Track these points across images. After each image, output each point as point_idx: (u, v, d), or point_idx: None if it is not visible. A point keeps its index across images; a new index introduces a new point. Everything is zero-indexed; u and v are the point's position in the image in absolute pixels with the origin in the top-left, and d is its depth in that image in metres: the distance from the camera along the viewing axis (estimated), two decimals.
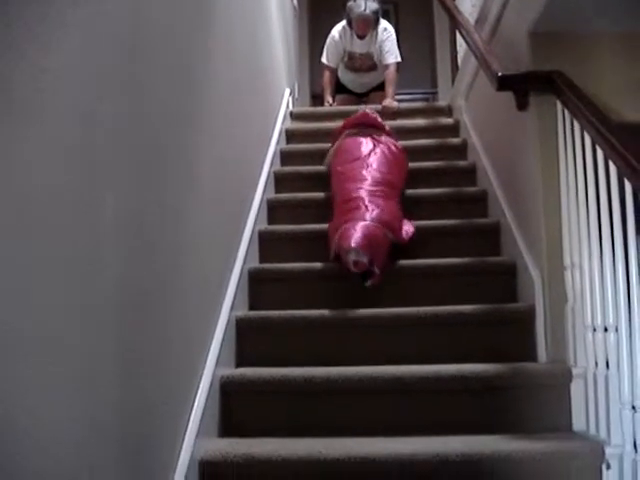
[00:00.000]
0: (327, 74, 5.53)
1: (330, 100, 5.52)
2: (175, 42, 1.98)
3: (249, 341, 2.77)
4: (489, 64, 3.08)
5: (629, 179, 2.08)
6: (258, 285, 3.11)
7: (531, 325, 2.70)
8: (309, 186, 3.96)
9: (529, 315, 2.71)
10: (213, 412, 2.30)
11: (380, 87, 5.44)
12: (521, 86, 2.79)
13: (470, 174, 4.04)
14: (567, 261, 2.52)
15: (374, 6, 5.14)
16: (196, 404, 2.09)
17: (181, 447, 1.93)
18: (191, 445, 1.97)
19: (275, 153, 4.22)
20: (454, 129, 4.73)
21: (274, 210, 3.78)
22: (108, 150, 1.44)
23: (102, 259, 1.39)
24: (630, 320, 2.09)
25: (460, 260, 3.14)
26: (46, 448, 1.14)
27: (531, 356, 2.67)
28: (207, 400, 2.18)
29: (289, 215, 3.74)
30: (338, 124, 4.73)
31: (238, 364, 2.71)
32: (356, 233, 2.93)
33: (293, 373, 2.48)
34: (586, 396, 2.31)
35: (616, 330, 2.17)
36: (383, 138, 3.81)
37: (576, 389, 2.36)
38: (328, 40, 5.44)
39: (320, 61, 5.59)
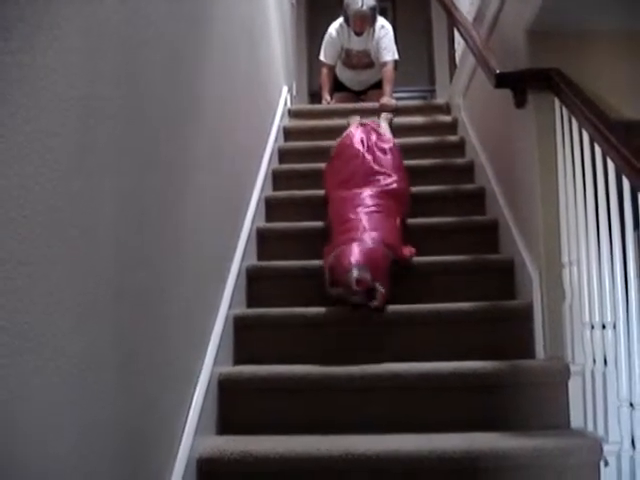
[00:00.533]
0: (325, 72, 5.52)
1: (328, 98, 5.52)
2: (172, 40, 1.98)
3: (247, 339, 2.77)
4: (487, 62, 3.08)
5: (627, 177, 2.08)
6: (256, 283, 3.10)
7: (529, 322, 2.70)
8: (307, 184, 3.96)
9: (527, 312, 2.71)
10: (211, 410, 2.31)
11: (378, 85, 5.43)
12: (519, 84, 2.79)
13: (468, 172, 4.05)
14: (565, 258, 2.52)
15: (371, 2, 5.14)
16: (194, 402, 2.09)
17: (179, 444, 1.93)
18: (189, 442, 1.98)
19: (273, 151, 4.22)
20: (452, 127, 4.73)
21: (272, 208, 3.78)
22: (106, 148, 1.43)
23: (100, 257, 1.39)
24: (628, 317, 2.09)
25: (458, 257, 3.14)
26: (45, 445, 1.14)
27: (529, 353, 2.68)
28: (205, 398, 2.18)
29: (287, 213, 3.74)
30: (336, 122, 4.75)
31: (236, 362, 2.71)
32: (354, 251, 2.77)
33: (291, 370, 2.48)
34: (584, 393, 2.31)
35: (614, 327, 2.17)
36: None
37: (574, 386, 2.36)
38: (326, 37, 5.44)
39: (318, 59, 5.59)
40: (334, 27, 5.38)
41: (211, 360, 2.29)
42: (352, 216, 3.12)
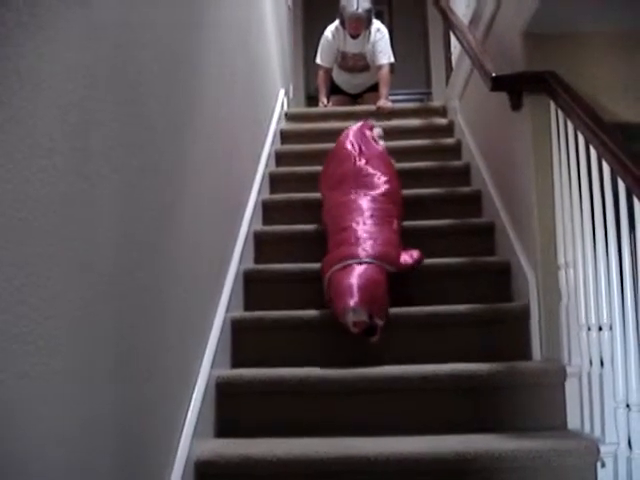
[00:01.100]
0: (322, 75, 5.54)
1: (325, 101, 5.53)
2: (169, 43, 1.98)
3: (245, 342, 2.77)
4: (483, 64, 3.09)
5: (622, 179, 2.09)
6: (253, 286, 3.11)
7: (525, 324, 2.71)
8: (304, 187, 3.96)
9: (523, 314, 2.72)
10: (209, 412, 2.31)
11: (374, 88, 5.45)
12: (515, 86, 2.81)
13: (464, 174, 4.06)
14: (561, 260, 2.53)
15: (367, 5, 5.16)
16: (192, 405, 2.10)
17: (177, 447, 1.94)
18: (187, 445, 1.98)
19: (270, 154, 4.23)
20: (448, 129, 4.74)
21: (269, 211, 3.79)
22: (103, 152, 1.44)
23: (98, 259, 1.39)
24: (624, 318, 2.10)
25: (455, 260, 3.15)
26: (42, 449, 1.14)
27: (526, 355, 2.69)
28: (203, 401, 2.18)
29: (284, 216, 3.74)
30: (332, 124, 4.76)
31: (234, 365, 2.72)
32: (351, 288, 2.64)
33: (289, 373, 2.48)
34: (580, 394, 2.32)
35: (610, 329, 2.18)
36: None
37: (570, 388, 2.37)
38: (322, 40, 5.46)
39: (315, 62, 5.60)
40: (330, 30, 5.39)
41: (209, 363, 2.29)
42: (347, 224, 3.05)
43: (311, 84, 7.40)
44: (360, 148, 3.51)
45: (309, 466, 2.10)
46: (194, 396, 2.13)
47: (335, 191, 3.34)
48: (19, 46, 1.07)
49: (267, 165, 4.04)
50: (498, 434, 2.28)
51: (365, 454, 2.10)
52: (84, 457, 1.31)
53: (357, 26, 5.23)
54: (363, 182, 3.30)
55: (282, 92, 5.35)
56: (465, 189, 3.90)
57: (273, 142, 4.42)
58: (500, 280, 3.06)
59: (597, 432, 2.19)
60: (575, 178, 2.44)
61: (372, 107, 5.20)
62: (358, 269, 2.74)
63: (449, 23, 4.22)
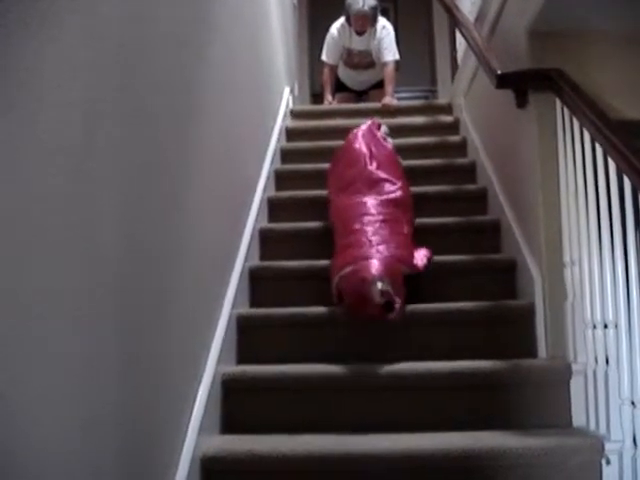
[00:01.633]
0: (327, 72, 5.55)
1: (330, 98, 5.54)
2: (174, 41, 1.99)
3: (250, 338, 2.77)
4: (488, 62, 3.09)
5: (628, 176, 2.09)
6: (259, 283, 3.11)
7: (531, 322, 2.71)
8: (310, 184, 3.96)
9: (529, 312, 2.71)
10: (214, 409, 2.32)
11: (379, 85, 5.46)
12: (520, 84, 2.81)
13: (470, 172, 4.06)
14: (567, 258, 2.53)
15: (372, 2, 5.17)
16: (197, 401, 2.10)
17: (183, 444, 1.94)
18: (193, 442, 1.98)
19: (275, 151, 4.23)
20: (454, 127, 4.74)
21: (275, 208, 3.79)
22: (108, 148, 1.44)
23: (102, 256, 1.40)
24: (629, 316, 2.10)
25: (460, 257, 3.15)
26: (46, 444, 1.14)
27: (531, 353, 2.68)
28: (208, 397, 2.18)
29: (290, 213, 3.74)
30: (338, 122, 4.77)
31: (239, 361, 2.72)
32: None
33: (294, 370, 2.49)
34: (586, 392, 2.32)
35: (615, 326, 2.18)
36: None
37: (576, 385, 2.37)
38: (327, 37, 5.46)
39: (320, 59, 5.61)
40: (335, 27, 5.40)
41: (214, 359, 2.30)
42: (357, 227, 3.01)
43: (316, 82, 7.40)
44: (370, 150, 3.45)
45: (314, 463, 2.11)
46: (199, 392, 2.13)
47: (344, 193, 3.29)
48: (21, 45, 1.07)
49: (273, 162, 4.04)
50: (503, 431, 2.28)
51: (371, 451, 2.10)
52: (89, 454, 1.32)
53: (363, 23, 5.24)
54: (374, 186, 3.24)
55: (287, 90, 5.35)
56: (471, 187, 3.90)
57: (278, 139, 4.42)
58: (505, 278, 3.06)
59: (602, 429, 2.19)
60: (581, 175, 2.44)
61: (377, 104, 5.21)
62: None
63: (454, 20, 4.22)
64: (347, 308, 2.74)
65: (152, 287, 1.71)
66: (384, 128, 3.72)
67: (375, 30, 5.30)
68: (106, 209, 1.42)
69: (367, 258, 2.76)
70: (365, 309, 2.64)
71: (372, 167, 3.33)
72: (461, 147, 4.41)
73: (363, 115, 5.07)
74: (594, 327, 2.29)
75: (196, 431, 2.02)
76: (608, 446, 2.10)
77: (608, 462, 2.10)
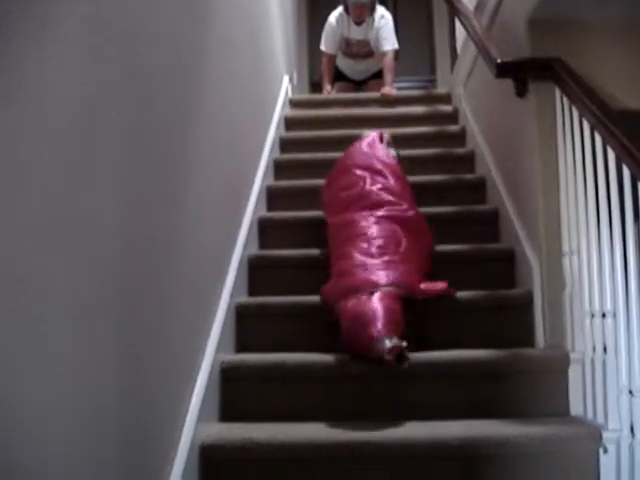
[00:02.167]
0: (325, 61, 5.54)
1: (329, 88, 5.53)
2: (173, 30, 1.98)
3: (249, 327, 2.78)
4: (488, 51, 3.08)
5: (627, 165, 2.09)
6: (258, 271, 3.12)
7: (529, 311, 2.71)
8: (309, 173, 3.96)
9: (527, 301, 2.72)
10: (213, 397, 2.32)
11: (378, 75, 5.45)
12: (520, 73, 2.80)
13: (469, 161, 4.06)
14: (565, 247, 2.53)
15: None
16: (196, 389, 2.11)
17: (181, 431, 1.95)
18: (192, 429, 1.99)
19: (274, 140, 4.23)
20: (453, 116, 4.73)
21: (274, 197, 3.79)
22: (108, 139, 1.44)
23: (101, 244, 1.40)
24: (628, 305, 2.10)
25: (459, 247, 3.16)
26: (46, 435, 1.14)
27: (529, 342, 2.69)
28: (207, 385, 2.19)
29: (289, 202, 3.74)
30: (336, 111, 4.76)
31: (238, 350, 2.73)
32: (375, 313, 2.39)
33: (292, 358, 2.49)
34: (584, 381, 2.32)
35: (614, 315, 2.18)
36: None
37: (574, 374, 2.37)
38: (326, 27, 5.45)
39: (319, 48, 5.59)
40: (334, 16, 5.38)
41: (213, 348, 2.30)
42: (355, 250, 2.79)
43: (315, 71, 7.38)
44: (374, 169, 3.18)
45: (312, 450, 2.11)
46: (198, 380, 2.14)
47: (340, 215, 3.06)
48: (24, 37, 1.07)
49: (271, 151, 4.04)
50: (501, 420, 2.28)
51: (368, 439, 2.11)
52: (88, 442, 1.32)
53: (361, 12, 5.23)
54: (374, 207, 3.00)
55: (286, 79, 5.34)
56: (469, 176, 3.90)
57: (277, 128, 4.41)
58: (504, 267, 3.06)
59: (600, 418, 2.19)
60: (580, 165, 2.43)
61: (376, 94, 5.20)
62: (378, 296, 2.48)
63: (454, 9, 4.21)
64: (346, 343, 2.49)
65: (151, 273, 1.71)
66: (386, 136, 3.52)
67: (373, 19, 5.29)
68: (106, 196, 1.41)
69: (364, 288, 2.53)
70: (369, 356, 2.36)
71: (373, 189, 3.08)
72: (460, 137, 4.40)
73: (362, 105, 5.09)
74: (592, 316, 2.30)
75: (195, 419, 2.03)
76: (605, 435, 2.10)
77: (605, 451, 2.10)
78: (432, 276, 2.89)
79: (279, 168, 4.14)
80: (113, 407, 1.45)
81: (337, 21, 5.36)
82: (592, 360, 2.27)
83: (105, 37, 1.43)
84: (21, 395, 1.05)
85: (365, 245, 2.80)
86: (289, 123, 4.86)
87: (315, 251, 3.14)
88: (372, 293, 2.51)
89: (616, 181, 2.19)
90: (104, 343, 1.40)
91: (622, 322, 2.12)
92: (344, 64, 5.61)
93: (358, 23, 5.30)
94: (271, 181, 3.96)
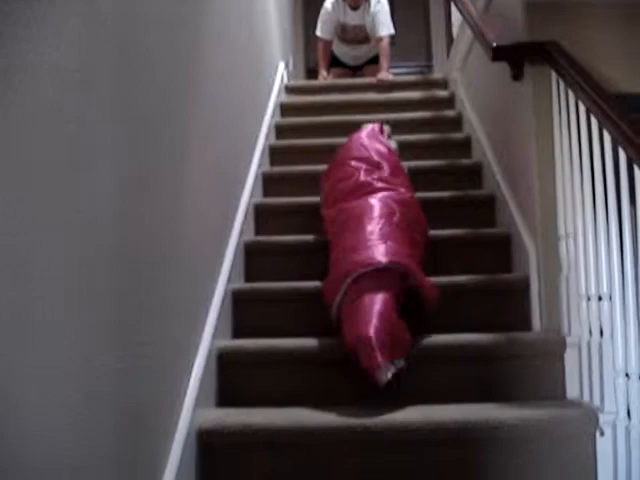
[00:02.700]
0: (321, 47, 5.52)
1: (325, 73, 5.52)
2: (169, 13, 1.97)
3: (245, 313, 2.78)
4: (484, 35, 3.08)
5: (623, 148, 2.09)
6: (254, 257, 3.12)
7: (525, 295, 2.72)
8: (305, 159, 3.96)
9: (523, 285, 2.72)
10: (210, 382, 2.32)
11: (374, 60, 5.44)
12: (516, 56, 2.79)
13: (465, 146, 4.06)
14: (561, 231, 2.53)
15: None
16: (193, 375, 2.10)
17: (179, 417, 1.95)
18: (189, 415, 1.99)
19: (270, 126, 4.22)
20: (449, 102, 4.72)
21: (269, 183, 3.79)
22: (104, 122, 1.43)
23: (96, 225, 1.39)
24: (624, 288, 2.10)
25: (454, 232, 3.16)
26: (41, 417, 1.14)
27: (525, 326, 2.69)
28: (204, 371, 2.19)
29: (284, 188, 3.74)
30: (333, 97, 4.74)
31: (235, 335, 2.73)
32: (372, 340, 2.22)
33: (289, 344, 2.49)
34: (580, 365, 2.33)
35: (610, 299, 2.19)
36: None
37: (570, 358, 2.38)
38: (321, 12, 5.43)
39: (315, 34, 5.57)
40: (330, 1, 5.37)
41: (210, 333, 2.30)
42: (344, 234, 2.71)
43: (311, 57, 7.36)
44: (368, 166, 3.07)
45: (310, 435, 2.12)
46: (195, 366, 2.13)
47: (336, 206, 2.98)
48: (20, 11, 1.06)
49: (267, 137, 4.03)
50: (497, 404, 2.29)
51: (364, 423, 2.11)
52: (84, 428, 1.31)
53: None
54: (370, 194, 2.90)
55: (282, 65, 5.32)
56: (466, 161, 3.90)
57: (273, 115, 4.40)
58: (500, 252, 3.07)
59: (596, 401, 2.19)
60: (576, 149, 2.43)
61: (372, 79, 5.19)
62: (372, 308, 2.32)
63: None
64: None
65: (147, 258, 1.70)
66: (387, 129, 3.45)
67: (369, 4, 5.26)
68: (102, 179, 1.41)
69: (363, 266, 2.44)
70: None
71: (368, 178, 3.00)
72: (456, 122, 4.40)
73: (358, 90, 5.07)
74: (588, 299, 2.30)
75: (192, 405, 2.03)
76: (602, 418, 2.11)
77: (602, 434, 2.11)
78: (427, 262, 2.83)
79: (275, 154, 4.13)
80: (109, 393, 1.44)
81: (333, 6, 5.33)
82: (588, 343, 2.27)
83: (100, 13, 1.42)
84: (13, 379, 1.05)
85: (360, 225, 2.70)
86: (285, 109, 4.85)
87: (311, 237, 3.13)
88: (367, 291, 2.38)
89: (612, 164, 2.19)
90: (100, 329, 1.39)
91: (618, 305, 2.12)
92: (340, 50, 5.59)
93: (354, 8, 5.28)
94: (267, 167, 3.96)
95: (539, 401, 2.33)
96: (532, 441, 2.12)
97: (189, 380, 2.07)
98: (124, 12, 1.58)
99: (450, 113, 4.53)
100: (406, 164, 3.46)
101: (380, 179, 2.99)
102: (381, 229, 2.64)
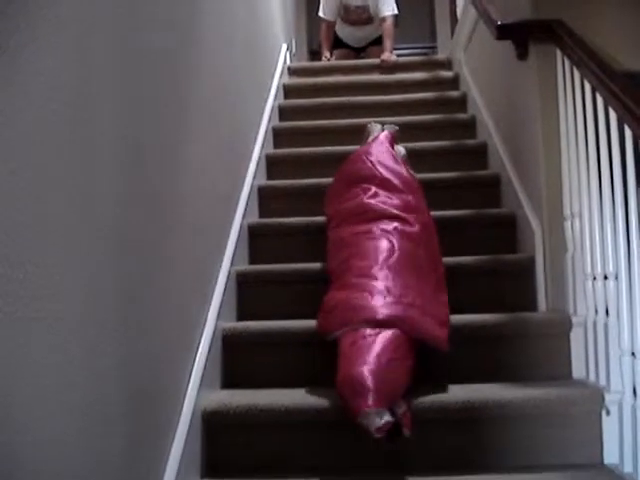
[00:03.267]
0: (324, 28, 5.48)
1: (328, 55, 5.49)
2: None
3: (250, 295, 2.78)
4: (489, 13, 3.05)
5: (629, 125, 2.07)
6: (258, 239, 3.11)
7: (531, 275, 2.71)
8: (308, 141, 3.95)
9: (529, 265, 2.72)
10: (215, 364, 2.32)
11: (378, 41, 5.40)
12: (521, 35, 2.77)
13: (470, 127, 4.04)
14: (567, 211, 2.51)
15: None
16: (198, 356, 2.10)
17: (184, 398, 1.95)
18: (194, 396, 1.99)
19: (273, 108, 4.20)
20: (454, 82, 4.70)
21: (273, 165, 3.78)
22: (104, 103, 1.42)
23: (101, 202, 1.38)
24: (630, 268, 2.08)
25: (459, 212, 3.14)
26: (47, 401, 1.14)
27: (531, 306, 2.69)
28: (209, 352, 2.19)
29: (288, 170, 3.73)
30: (336, 79, 4.71)
31: (239, 317, 2.73)
32: (364, 381, 1.93)
33: (293, 325, 2.49)
34: (586, 344, 2.32)
35: (616, 278, 2.17)
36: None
37: (576, 337, 2.37)
38: None
39: (318, 16, 5.53)
40: None
41: (214, 315, 2.30)
42: (360, 263, 2.39)
43: (314, 39, 7.32)
44: (373, 185, 2.72)
45: (316, 415, 2.12)
46: (200, 348, 2.13)
47: (338, 229, 2.67)
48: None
49: (270, 120, 4.01)
50: (504, 384, 2.29)
51: None
52: (91, 410, 1.31)
53: None
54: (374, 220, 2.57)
55: (284, 46, 5.29)
56: (471, 142, 3.88)
57: (276, 96, 4.38)
58: (506, 232, 3.06)
59: (602, 381, 2.19)
60: (582, 127, 2.41)
61: (376, 60, 5.15)
62: (372, 347, 2.05)
63: None
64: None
65: (151, 240, 1.70)
66: (392, 130, 3.14)
67: None
68: (104, 161, 1.40)
69: (361, 323, 2.15)
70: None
71: (372, 201, 2.65)
72: (461, 102, 4.38)
73: (362, 71, 5.05)
74: (594, 279, 2.29)
75: (197, 386, 2.03)
76: (608, 397, 2.11)
77: (608, 413, 2.11)
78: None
79: (278, 136, 4.12)
80: (115, 375, 1.44)
81: None
82: (594, 323, 2.26)
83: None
84: (20, 358, 1.05)
85: (361, 263, 2.39)
86: (288, 91, 4.83)
87: (315, 219, 3.12)
88: (371, 334, 2.11)
89: (618, 143, 2.17)
90: (105, 312, 1.39)
91: (624, 284, 2.11)
92: (343, 31, 5.55)
93: None
94: (270, 149, 3.94)
95: (545, 381, 2.32)
96: (538, 421, 2.12)
97: (194, 362, 2.07)
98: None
99: (454, 93, 4.50)
100: (410, 146, 3.43)
101: (391, 204, 2.62)
102: (381, 269, 2.33)
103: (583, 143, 2.39)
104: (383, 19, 5.21)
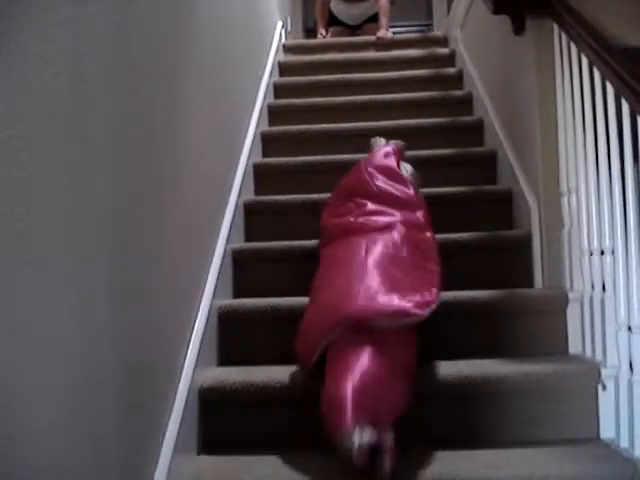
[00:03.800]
0: (319, 5, 5.46)
1: (323, 32, 5.46)
2: None
3: (245, 272, 2.78)
4: None
5: (627, 99, 2.05)
6: (254, 217, 3.10)
7: (528, 251, 2.71)
8: (303, 118, 3.93)
9: (526, 241, 2.71)
10: (211, 342, 2.32)
11: (373, 18, 5.37)
12: (517, 9, 2.75)
13: (466, 104, 4.02)
14: (564, 186, 2.50)
15: None
16: (194, 334, 2.10)
17: (180, 375, 1.95)
18: (190, 373, 1.99)
19: (268, 86, 4.17)
20: (450, 59, 4.68)
21: (268, 143, 3.76)
22: (97, 88, 1.41)
23: (96, 184, 1.37)
24: (626, 242, 2.08)
25: (456, 189, 3.13)
26: (41, 375, 1.14)
27: (528, 283, 2.69)
28: (205, 330, 2.19)
29: (283, 148, 3.71)
30: (331, 56, 4.68)
31: (235, 295, 2.72)
32: (345, 398, 1.75)
33: (289, 303, 2.48)
34: (582, 319, 2.32)
35: (612, 253, 2.17)
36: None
37: (572, 313, 2.37)
38: None
39: None
40: None
41: (210, 293, 2.30)
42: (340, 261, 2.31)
43: (309, 17, 7.27)
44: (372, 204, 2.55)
45: (310, 392, 2.11)
46: (196, 325, 2.13)
47: (327, 247, 2.54)
48: None
49: (265, 97, 3.99)
50: (501, 359, 2.29)
51: None
52: (85, 386, 1.31)
53: None
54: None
55: (280, 24, 5.25)
56: (467, 118, 3.86)
57: (271, 74, 4.35)
58: (502, 208, 3.05)
59: (598, 356, 2.19)
60: (578, 102, 2.40)
61: (372, 38, 5.13)
62: (357, 364, 1.86)
63: None
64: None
65: (146, 217, 1.69)
66: (409, 169, 2.88)
67: None
68: (98, 142, 1.38)
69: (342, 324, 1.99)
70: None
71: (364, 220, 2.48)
72: (457, 79, 4.36)
73: (357, 49, 5.02)
74: (591, 254, 2.28)
75: (193, 363, 2.03)
76: (604, 372, 2.11)
77: (604, 388, 2.11)
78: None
79: (273, 114, 4.09)
80: (109, 351, 1.43)
81: None
82: (591, 298, 2.26)
83: None
84: (13, 334, 1.04)
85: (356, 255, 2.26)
86: (283, 69, 4.80)
87: (311, 196, 3.11)
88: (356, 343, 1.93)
89: (615, 118, 2.16)
90: (99, 288, 1.38)
91: (621, 259, 2.11)
92: (338, 8, 5.51)
93: None
94: (266, 127, 3.92)
95: (542, 356, 2.32)
96: (535, 395, 2.12)
97: (190, 339, 2.07)
98: None
99: (450, 70, 4.48)
100: (406, 122, 3.42)
101: (383, 222, 2.44)
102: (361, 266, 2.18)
103: (580, 118, 2.38)
104: None
